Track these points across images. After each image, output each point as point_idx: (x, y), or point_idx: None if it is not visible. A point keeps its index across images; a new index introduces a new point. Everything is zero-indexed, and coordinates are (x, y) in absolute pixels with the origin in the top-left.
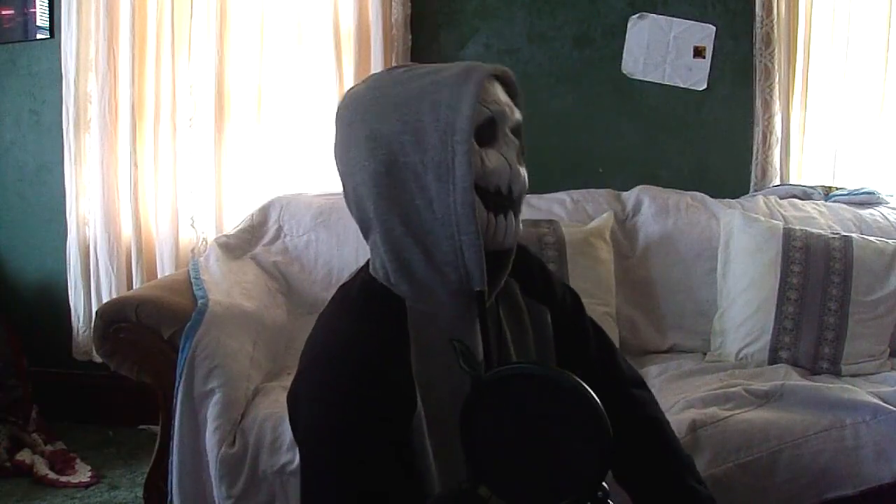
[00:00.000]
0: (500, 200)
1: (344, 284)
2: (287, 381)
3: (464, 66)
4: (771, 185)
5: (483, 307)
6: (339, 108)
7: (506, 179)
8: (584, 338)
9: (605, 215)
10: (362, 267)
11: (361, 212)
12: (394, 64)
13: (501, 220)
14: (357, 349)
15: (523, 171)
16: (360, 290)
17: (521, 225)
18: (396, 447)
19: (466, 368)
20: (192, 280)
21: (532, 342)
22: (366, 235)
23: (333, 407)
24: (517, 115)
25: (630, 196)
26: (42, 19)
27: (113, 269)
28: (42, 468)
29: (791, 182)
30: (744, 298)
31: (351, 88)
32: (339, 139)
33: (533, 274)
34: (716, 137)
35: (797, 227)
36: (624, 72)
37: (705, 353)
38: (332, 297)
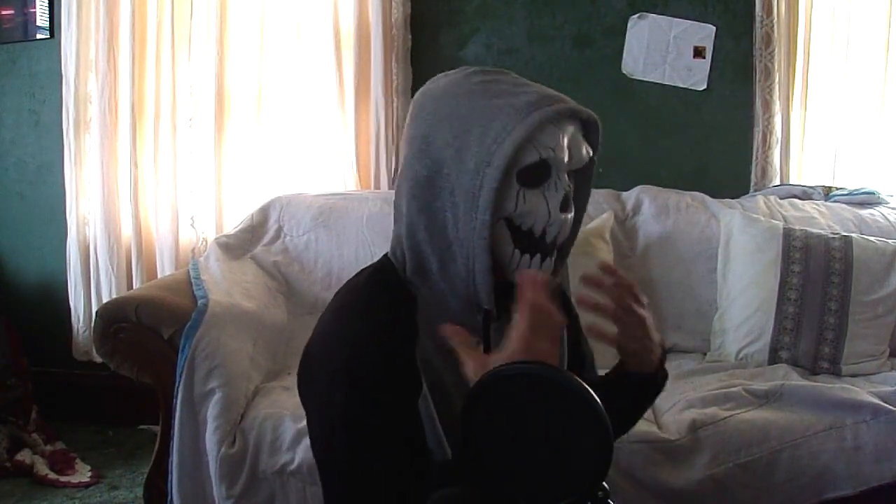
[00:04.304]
0: (531, 241)
1: (358, 273)
2: (287, 382)
3: (537, 98)
4: (771, 185)
5: (488, 326)
6: (417, 94)
7: (541, 224)
8: (582, 359)
9: (604, 215)
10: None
11: (398, 200)
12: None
13: (526, 260)
14: (366, 340)
15: (568, 217)
16: (373, 277)
17: (556, 267)
18: (406, 426)
19: None
20: (192, 280)
21: None
22: (395, 221)
23: (345, 392)
24: (581, 160)
25: (630, 196)
26: (42, 19)
27: (113, 269)
28: (42, 468)
29: (791, 182)
30: (744, 298)
31: (438, 76)
32: (406, 125)
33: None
34: (716, 137)
35: (797, 227)
36: (624, 72)
37: (705, 353)
38: (346, 283)
